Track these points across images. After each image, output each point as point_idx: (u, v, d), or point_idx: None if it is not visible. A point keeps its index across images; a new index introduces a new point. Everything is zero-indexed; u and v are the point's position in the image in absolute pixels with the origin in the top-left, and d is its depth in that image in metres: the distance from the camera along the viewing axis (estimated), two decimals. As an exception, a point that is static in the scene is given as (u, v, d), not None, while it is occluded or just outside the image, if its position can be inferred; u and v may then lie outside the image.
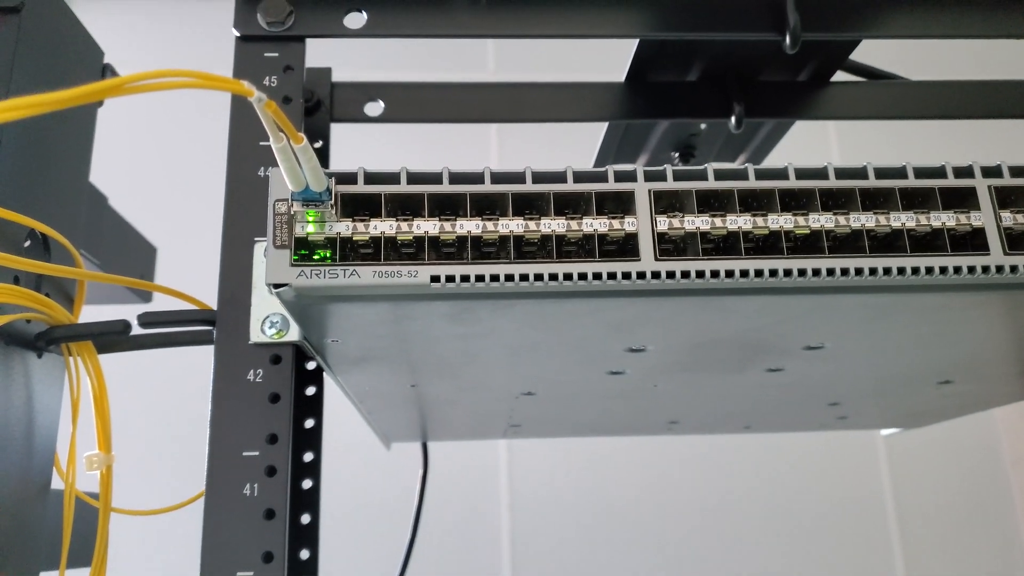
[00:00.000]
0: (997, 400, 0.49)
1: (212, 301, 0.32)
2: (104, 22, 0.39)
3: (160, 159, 1.47)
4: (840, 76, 0.40)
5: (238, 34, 0.32)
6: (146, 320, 0.30)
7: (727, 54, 0.37)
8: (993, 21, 0.34)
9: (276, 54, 0.32)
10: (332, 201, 0.24)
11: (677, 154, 0.44)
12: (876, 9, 0.33)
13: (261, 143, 0.31)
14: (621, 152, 0.44)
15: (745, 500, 1.46)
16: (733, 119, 0.38)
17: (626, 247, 0.25)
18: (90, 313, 0.36)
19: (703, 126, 0.43)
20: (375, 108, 0.37)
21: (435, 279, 0.24)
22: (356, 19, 0.32)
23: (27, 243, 0.31)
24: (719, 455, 1.47)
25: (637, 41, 0.37)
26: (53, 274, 0.29)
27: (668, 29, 0.33)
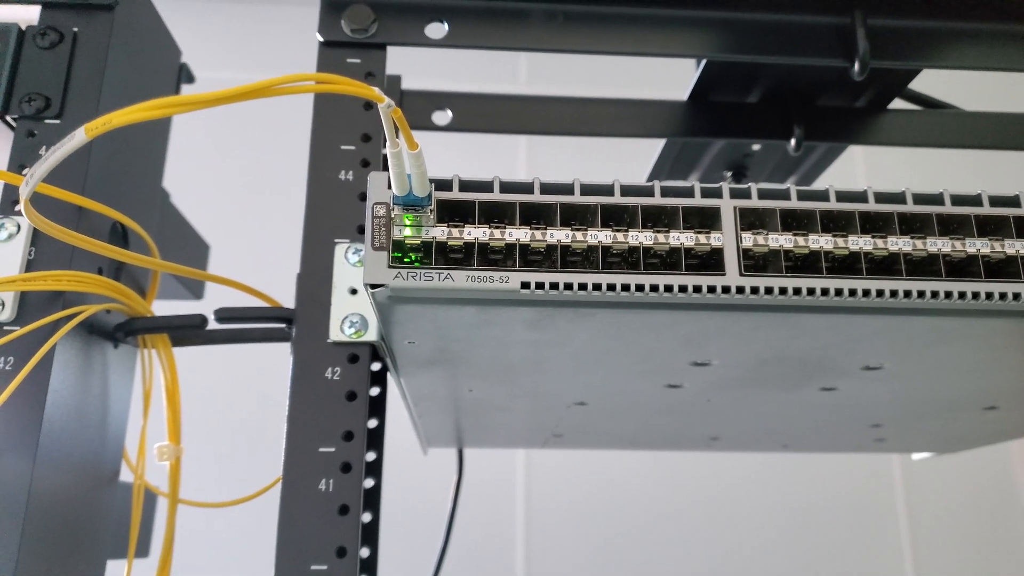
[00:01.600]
0: (1033, 429, 0.50)
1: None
2: (176, 21, 0.40)
3: (202, 161, 1.49)
4: (896, 104, 0.41)
5: (322, 39, 0.33)
6: (223, 315, 0.31)
7: (790, 78, 0.38)
8: (1056, 56, 0.35)
9: (358, 60, 0.33)
10: (431, 206, 0.24)
11: (730, 173, 0.45)
12: (942, 39, 0.34)
13: (343, 147, 0.32)
14: (675, 169, 0.45)
15: (758, 510, 1.46)
16: (793, 141, 0.39)
17: (709, 262, 0.25)
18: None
19: (756, 147, 0.44)
20: (443, 117, 0.38)
21: (525, 285, 0.24)
22: (437, 29, 0.33)
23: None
24: (731, 466, 1.47)
25: (703, 62, 0.38)
26: (136, 263, 0.30)
27: (740, 51, 0.33)
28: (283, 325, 0.32)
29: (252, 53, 1.56)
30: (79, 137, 0.18)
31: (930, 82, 0.43)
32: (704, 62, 0.37)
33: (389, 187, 0.24)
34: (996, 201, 0.27)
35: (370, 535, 0.33)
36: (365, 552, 0.33)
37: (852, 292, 0.25)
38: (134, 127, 0.34)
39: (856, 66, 0.33)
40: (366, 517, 0.33)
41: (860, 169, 1.58)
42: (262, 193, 1.45)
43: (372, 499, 0.33)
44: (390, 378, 0.35)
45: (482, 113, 0.38)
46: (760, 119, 0.39)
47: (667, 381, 0.35)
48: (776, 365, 0.32)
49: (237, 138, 1.54)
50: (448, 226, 0.25)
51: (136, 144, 0.34)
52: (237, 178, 1.51)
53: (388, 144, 0.21)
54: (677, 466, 1.45)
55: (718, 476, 1.46)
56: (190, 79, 0.39)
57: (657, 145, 0.46)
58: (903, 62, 0.34)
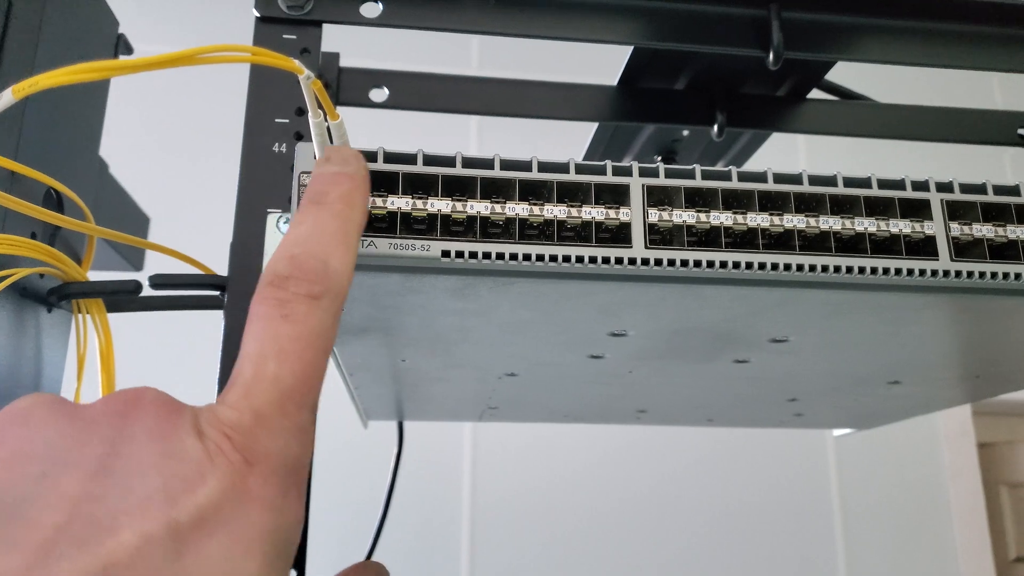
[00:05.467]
0: (938, 404, 0.53)
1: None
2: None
3: (144, 133, 1.46)
4: (815, 94, 0.43)
5: (258, 14, 0.33)
6: (157, 281, 0.32)
7: (714, 66, 0.40)
8: (956, 53, 0.37)
9: (294, 36, 0.34)
10: (354, 176, 0.26)
11: (660, 158, 0.47)
12: (852, 34, 0.37)
13: (277, 120, 0.33)
14: (608, 153, 0.47)
15: (696, 501, 1.51)
16: (716, 127, 0.41)
17: (619, 235, 0.27)
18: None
19: (685, 133, 0.46)
20: (380, 94, 0.39)
21: (446, 254, 0.26)
22: (372, 8, 0.34)
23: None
24: (669, 456, 1.52)
25: (631, 48, 0.39)
26: (69, 227, 0.30)
27: (663, 39, 0.35)
28: (217, 293, 0.32)
29: (193, 27, 1.54)
30: (6, 98, 0.19)
31: (847, 76, 0.45)
32: (632, 49, 0.39)
33: (315, 157, 0.25)
34: (884, 184, 0.29)
35: (302, 496, 0.34)
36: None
37: (749, 265, 0.27)
38: (70, 95, 0.34)
39: (771, 56, 0.35)
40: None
41: (802, 157, 1.64)
42: (202, 167, 1.44)
43: (305, 462, 0.34)
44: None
45: (418, 92, 0.39)
46: (686, 105, 0.41)
47: (589, 352, 0.37)
48: (688, 336, 0.35)
49: (178, 113, 1.52)
50: (372, 195, 0.26)
51: (72, 112, 0.34)
52: (177, 152, 1.50)
53: (310, 114, 0.22)
54: (619, 457, 1.49)
55: (653, 466, 1.50)
56: (128, 51, 0.39)
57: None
58: (814, 53, 0.36)
